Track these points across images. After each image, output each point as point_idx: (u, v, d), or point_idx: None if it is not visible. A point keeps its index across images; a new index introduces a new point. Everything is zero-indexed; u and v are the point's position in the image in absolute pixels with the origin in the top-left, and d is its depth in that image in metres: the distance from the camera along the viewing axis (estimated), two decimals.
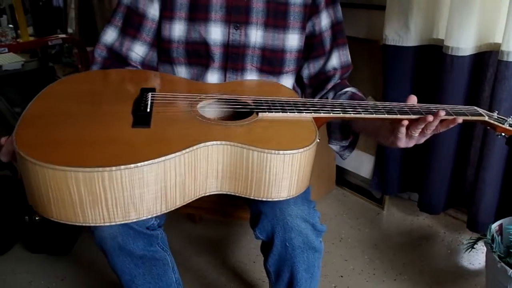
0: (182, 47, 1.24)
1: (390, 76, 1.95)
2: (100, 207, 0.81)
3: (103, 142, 0.86)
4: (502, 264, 1.39)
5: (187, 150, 0.84)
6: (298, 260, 1.15)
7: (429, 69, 1.87)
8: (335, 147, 1.31)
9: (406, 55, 1.88)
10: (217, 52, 1.23)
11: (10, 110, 2.72)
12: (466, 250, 1.71)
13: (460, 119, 0.99)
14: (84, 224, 0.83)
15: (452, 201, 2.01)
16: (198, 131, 0.92)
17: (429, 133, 1.02)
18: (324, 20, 1.28)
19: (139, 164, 0.79)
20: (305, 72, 1.33)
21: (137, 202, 0.83)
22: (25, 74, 3.00)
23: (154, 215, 0.88)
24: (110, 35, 1.26)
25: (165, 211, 0.88)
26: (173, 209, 0.89)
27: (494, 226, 1.54)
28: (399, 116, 1.01)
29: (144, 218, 0.86)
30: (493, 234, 1.47)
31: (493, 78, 1.63)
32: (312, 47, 1.29)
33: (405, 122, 1.00)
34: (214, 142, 0.88)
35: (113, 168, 0.78)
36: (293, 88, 1.34)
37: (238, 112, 1.05)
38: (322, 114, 1.03)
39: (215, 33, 1.22)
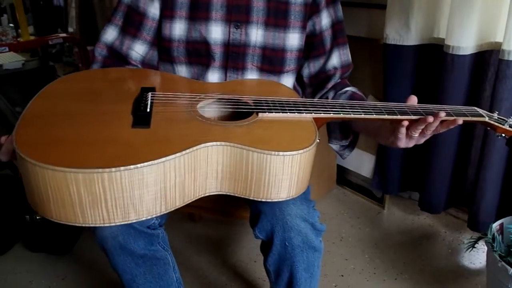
0: (182, 46, 1.24)
1: (391, 75, 1.95)
2: (99, 208, 0.81)
3: (102, 142, 0.86)
4: (503, 263, 1.38)
5: (187, 151, 0.84)
6: (298, 259, 1.15)
7: (429, 68, 1.87)
8: (335, 146, 1.31)
9: (407, 54, 1.88)
10: (217, 51, 1.23)
11: (10, 109, 2.72)
12: (467, 250, 1.71)
13: (460, 120, 0.99)
14: (83, 225, 0.83)
15: (453, 201, 2.01)
16: (198, 132, 0.92)
17: (429, 134, 1.02)
18: (325, 19, 1.28)
19: (138, 165, 0.79)
20: (306, 71, 1.33)
21: (137, 203, 0.83)
22: (25, 73, 3.01)
23: (154, 216, 0.88)
24: (110, 34, 1.26)
25: (165, 212, 0.88)
26: (173, 209, 0.89)
27: (495, 225, 1.53)
28: (399, 117, 1.01)
29: (144, 218, 0.86)
30: (494, 234, 1.47)
31: (494, 77, 1.63)
32: (313, 46, 1.29)
33: (405, 123, 1.00)
34: (214, 143, 0.88)
35: (113, 169, 0.78)
36: (294, 87, 1.34)
37: (238, 112, 1.04)
38: (322, 114, 1.02)
39: (216, 32, 1.22)
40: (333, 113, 1.03)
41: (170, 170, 0.84)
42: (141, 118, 0.94)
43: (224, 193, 0.95)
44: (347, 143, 1.29)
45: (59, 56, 4.67)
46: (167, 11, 1.22)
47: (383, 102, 1.09)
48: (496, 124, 1.07)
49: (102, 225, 0.84)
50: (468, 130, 1.84)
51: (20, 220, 1.86)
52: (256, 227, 1.15)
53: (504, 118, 1.08)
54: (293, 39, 1.25)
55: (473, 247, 1.63)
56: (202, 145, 0.87)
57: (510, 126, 1.06)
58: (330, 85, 1.31)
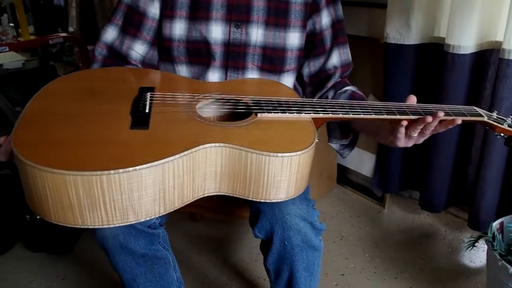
0: (183, 46, 1.24)
1: (391, 74, 1.95)
2: (98, 210, 0.81)
3: (101, 143, 0.85)
4: (503, 262, 1.38)
5: (186, 152, 0.84)
6: (297, 258, 1.15)
7: (430, 67, 1.87)
8: (335, 145, 1.31)
9: (407, 53, 1.88)
10: (218, 51, 1.23)
11: (11, 109, 2.72)
12: (467, 248, 1.71)
13: (459, 120, 0.99)
14: (82, 227, 0.83)
15: (453, 200, 2.01)
16: (197, 133, 0.92)
17: (428, 133, 1.02)
18: (325, 19, 1.28)
19: (137, 167, 0.79)
20: (306, 71, 1.33)
21: (136, 204, 0.83)
22: (26, 73, 3.00)
23: (153, 217, 0.87)
24: (110, 34, 1.26)
25: (164, 213, 0.88)
26: (171, 210, 0.89)
27: (495, 224, 1.53)
28: (398, 117, 1.01)
29: (143, 220, 0.86)
30: (494, 232, 1.47)
31: (494, 77, 1.63)
32: (313, 45, 1.29)
33: (404, 123, 1.00)
34: (213, 144, 0.88)
35: (111, 171, 0.78)
36: (294, 86, 1.34)
37: (238, 112, 1.04)
38: (321, 114, 1.02)
39: (216, 32, 1.22)
40: (332, 113, 1.03)
41: (169, 171, 0.83)
42: (140, 119, 0.94)
43: (223, 194, 0.94)
44: (347, 142, 1.29)
45: (59, 55, 4.67)
46: (167, 11, 1.22)
47: (382, 101, 1.09)
48: (495, 123, 1.07)
49: (101, 226, 0.84)
50: (468, 129, 1.84)
51: (20, 220, 1.86)
52: (255, 226, 1.15)
53: (503, 118, 1.08)
54: (294, 39, 1.25)
55: (473, 246, 1.63)
56: (201, 146, 0.86)
57: (508, 126, 1.06)
58: (330, 84, 1.31)
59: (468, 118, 1.04)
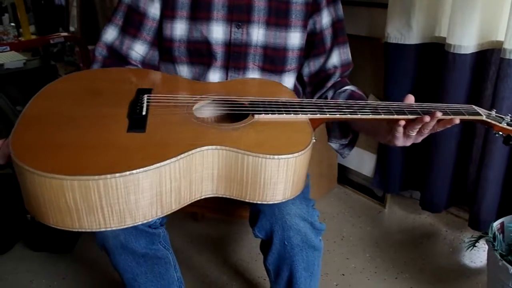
0: (183, 46, 1.24)
1: (392, 74, 1.94)
2: (96, 214, 0.81)
3: (98, 147, 0.85)
4: (504, 262, 1.38)
5: (182, 155, 0.84)
6: (297, 258, 1.15)
7: (431, 67, 1.87)
8: (334, 145, 1.31)
9: (408, 53, 1.88)
10: (219, 51, 1.23)
11: (11, 108, 2.72)
12: (467, 249, 1.71)
13: (457, 120, 0.99)
14: (80, 230, 0.83)
15: (454, 199, 2.01)
16: (194, 135, 0.91)
17: (426, 133, 1.02)
18: (325, 18, 1.27)
19: (133, 171, 0.79)
20: (306, 70, 1.33)
21: (133, 208, 0.83)
22: (27, 73, 3.00)
23: (150, 220, 0.87)
24: (110, 34, 1.26)
25: (161, 216, 0.88)
26: (169, 213, 0.89)
27: (496, 224, 1.53)
28: (395, 116, 1.01)
29: (140, 223, 0.86)
30: (494, 232, 1.47)
31: (495, 76, 1.63)
32: (313, 45, 1.29)
33: (402, 122, 1.00)
34: (209, 147, 0.88)
35: (108, 176, 0.78)
36: (294, 86, 1.34)
37: (236, 113, 1.04)
38: (318, 115, 1.02)
39: (217, 32, 1.22)
40: (329, 114, 1.02)
41: (166, 175, 0.83)
42: (137, 122, 0.94)
43: (220, 196, 0.94)
44: (346, 142, 1.29)
45: (60, 55, 4.67)
46: (168, 11, 1.22)
47: (380, 101, 1.08)
48: (493, 122, 1.06)
49: (99, 229, 0.84)
50: (469, 128, 1.84)
51: (21, 219, 1.86)
52: (255, 226, 1.15)
53: (502, 116, 1.07)
54: (295, 38, 1.25)
55: (474, 246, 1.63)
56: (198, 149, 0.86)
57: (507, 124, 1.05)
58: (329, 84, 1.31)
59: (467, 117, 1.04)
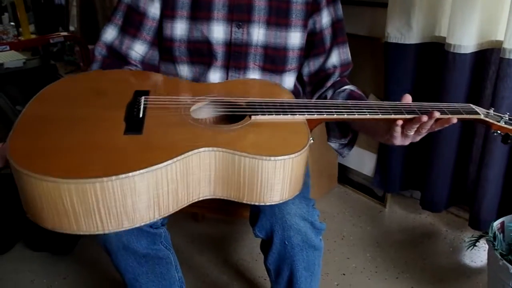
0: (184, 46, 1.24)
1: (392, 74, 1.94)
2: (93, 217, 0.81)
3: (95, 150, 0.85)
4: (504, 261, 1.38)
5: (179, 158, 0.84)
6: (298, 258, 1.15)
7: (431, 66, 1.87)
8: (334, 145, 1.30)
9: (408, 53, 1.88)
10: (219, 50, 1.23)
11: (11, 108, 2.72)
12: (468, 248, 1.71)
13: (454, 119, 0.99)
14: (78, 233, 0.83)
15: (454, 199, 2.01)
16: (190, 137, 0.91)
17: (424, 132, 1.02)
18: (325, 18, 1.27)
19: (130, 174, 0.79)
20: (305, 70, 1.33)
21: (130, 211, 0.83)
22: (26, 72, 3.00)
23: (148, 222, 0.87)
24: (110, 34, 1.26)
25: (159, 218, 0.88)
26: (166, 215, 0.89)
27: (496, 224, 1.53)
28: (393, 116, 1.01)
29: (138, 225, 0.86)
30: (495, 232, 1.47)
31: (495, 76, 1.63)
32: (313, 44, 1.29)
33: (400, 122, 1.00)
34: (206, 149, 0.87)
35: (105, 179, 0.78)
36: (294, 85, 1.34)
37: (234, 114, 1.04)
38: (315, 115, 1.02)
39: (218, 32, 1.22)
40: (326, 114, 1.02)
41: (162, 177, 0.83)
42: (133, 124, 0.94)
43: (218, 197, 0.94)
44: (346, 142, 1.29)
45: (60, 54, 4.67)
46: (168, 11, 1.22)
47: (377, 101, 1.08)
48: (491, 121, 1.05)
49: (96, 232, 0.84)
50: (469, 127, 1.84)
51: (21, 219, 1.86)
52: (255, 226, 1.15)
53: (500, 115, 1.06)
54: (295, 38, 1.25)
55: (474, 245, 1.63)
56: (194, 151, 0.86)
57: (505, 123, 1.05)
58: (329, 83, 1.31)
59: (464, 116, 1.04)
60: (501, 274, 1.41)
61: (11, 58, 3.05)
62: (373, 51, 2.16)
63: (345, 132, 1.27)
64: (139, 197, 0.82)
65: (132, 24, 1.25)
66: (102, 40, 1.27)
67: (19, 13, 3.41)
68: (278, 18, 1.23)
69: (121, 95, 1.05)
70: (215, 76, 1.25)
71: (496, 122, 1.05)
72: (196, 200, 0.92)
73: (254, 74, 1.26)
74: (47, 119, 0.94)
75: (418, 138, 1.04)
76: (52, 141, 0.87)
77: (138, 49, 1.26)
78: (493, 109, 1.09)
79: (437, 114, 0.97)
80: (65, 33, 3.68)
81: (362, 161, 2.35)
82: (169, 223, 1.28)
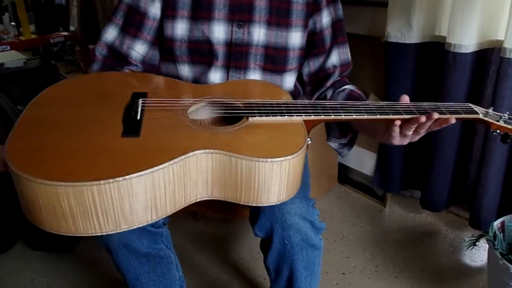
0: (185, 46, 1.24)
1: (392, 73, 1.94)
2: (91, 219, 0.82)
3: (92, 153, 0.86)
4: (504, 261, 1.38)
5: (176, 160, 0.84)
6: (297, 257, 1.15)
7: (431, 66, 1.87)
8: (333, 144, 1.30)
9: (408, 52, 1.88)
10: (220, 50, 1.23)
11: (12, 107, 2.72)
12: (468, 248, 1.71)
13: (453, 120, 0.98)
14: (76, 235, 0.84)
15: (454, 199, 2.01)
16: (187, 139, 0.91)
17: (423, 132, 1.02)
18: (325, 18, 1.28)
19: (127, 176, 0.79)
20: (305, 70, 1.33)
21: (127, 213, 0.83)
22: (27, 72, 3.00)
23: (145, 224, 0.88)
24: (110, 34, 1.27)
25: (156, 219, 0.88)
26: (164, 216, 0.89)
27: (496, 223, 1.54)
28: (391, 117, 1.01)
29: (135, 227, 0.86)
30: (495, 232, 1.47)
31: (495, 75, 1.63)
32: (313, 44, 1.29)
33: (398, 122, 1.00)
34: (203, 151, 0.87)
35: (102, 181, 0.78)
36: (295, 85, 1.34)
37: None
38: (312, 116, 1.02)
39: (218, 31, 1.22)
40: (323, 115, 1.02)
41: (159, 179, 0.84)
42: (131, 126, 0.94)
43: (215, 199, 0.94)
44: (345, 141, 1.29)
45: (60, 54, 4.66)
46: (169, 11, 1.22)
47: (375, 101, 1.08)
48: (490, 120, 1.05)
49: (94, 234, 0.84)
50: (469, 127, 1.84)
51: (21, 218, 1.85)
52: (255, 225, 1.15)
53: (499, 114, 1.06)
54: (296, 38, 1.25)
55: (474, 245, 1.63)
56: (191, 153, 0.86)
57: (504, 122, 1.04)
58: (329, 83, 1.31)
59: (463, 115, 1.04)
60: (501, 273, 1.41)
61: (11, 58, 3.06)
62: (373, 51, 2.16)
63: (344, 131, 1.27)
64: (136, 199, 0.82)
65: (133, 24, 1.25)
66: (103, 40, 1.27)
67: (20, 13, 3.42)
68: (279, 18, 1.23)
69: (119, 97, 1.06)
70: (215, 76, 1.25)
71: (495, 122, 1.04)
72: (194, 202, 0.92)
73: (254, 74, 1.26)
74: (45, 122, 0.94)
75: (416, 138, 1.04)
76: (49, 144, 0.87)
77: (138, 49, 1.26)
78: (492, 108, 1.08)
79: (435, 116, 0.97)
80: (66, 33, 3.67)
81: (362, 160, 2.35)
82: (169, 222, 1.28)
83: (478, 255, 1.89)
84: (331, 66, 1.30)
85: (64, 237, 1.91)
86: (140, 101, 1.03)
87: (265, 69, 1.27)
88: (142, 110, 1.00)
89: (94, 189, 0.78)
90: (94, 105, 1.03)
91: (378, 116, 1.02)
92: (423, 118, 0.97)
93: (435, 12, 1.81)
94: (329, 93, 1.30)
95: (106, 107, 1.02)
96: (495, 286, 1.49)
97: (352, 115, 1.02)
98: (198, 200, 0.93)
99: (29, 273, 1.82)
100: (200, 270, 1.84)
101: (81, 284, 1.78)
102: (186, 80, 1.28)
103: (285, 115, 1.00)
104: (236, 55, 1.24)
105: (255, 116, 0.99)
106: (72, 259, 1.91)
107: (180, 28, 1.23)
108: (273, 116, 1.00)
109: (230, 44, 1.23)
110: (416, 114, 1.00)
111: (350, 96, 1.25)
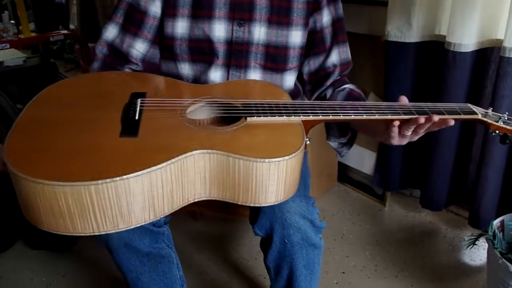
0: (185, 44, 1.24)
1: (392, 72, 1.94)
2: (88, 218, 0.82)
3: (90, 153, 0.86)
4: (504, 260, 1.39)
5: (173, 160, 0.84)
6: (297, 256, 1.15)
7: (431, 65, 1.87)
8: (333, 144, 1.30)
9: (408, 51, 1.87)
10: (220, 49, 1.23)
11: (11, 106, 2.71)
12: (467, 247, 1.71)
13: (452, 121, 0.98)
14: (74, 234, 0.84)
15: (454, 198, 2.01)
16: (185, 139, 0.91)
17: (421, 132, 1.02)
18: (326, 17, 1.27)
19: (124, 176, 0.79)
20: (305, 69, 1.33)
21: (125, 213, 0.83)
22: (26, 70, 3.00)
23: (143, 224, 0.87)
24: (111, 32, 1.26)
25: (154, 219, 0.88)
26: (162, 216, 0.89)
27: (496, 222, 1.54)
28: (390, 117, 1.01)
29: (133, 227, 0.86)
30: (494, 231, 1.47)
31: (495, 75, 1.63)
32: (313, 43, 1.29)
33: (396, 123, 1.00)
34: (201, 151, 0.87)
35: (99, 181, 0.78)
36: (295, 85, 1.34)
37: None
38: (311, 117, 1.01)
39: (219, 30, 1.22)
40: (322, 116, 1.02)
41: (157, 179, 0.84)
42: (129, 126, 0.94)
43: (213, 199, 0.94)
44: (345, 141, 1.28)
45: (60, 53, 4.66)
46: (169, 10, 1.22)
47: (374, 102, 1.08)
48: (489, 121, 1.04)
49: (92, 234, 0.85)
50: (469, 127, 1.84)
51: (20, 218, 1.85)
52: (255, 224, 1.15)
53: (499, 115, 1.05)
54: (296, 37, 1.25)
55: (474, 244, 1.63)
56: (189, 153, 0.86)
57: (504, 123, 1.03)
58: (329, 82, 1.31)
59: (462, 116, 1.03)
60: (501, 272, 1.41)
61: (11, 56, 3.06)
62: (373, 50, 2.15)
63: (344, 131, 1.27)
64: (134, 198, 0.83)
65: (133, 22, 1.25)
66: (103, 38, 1.27)
67: (19, 11, 3.42)
68: (279, 16, 1.23)
69: (118, 97, 1.06)
70: (216, 74, 1.25)
71: (494, 122, 1.04)
72: (192, 201, 0.92)
73: (255, 73, 1.26)
74: (44, 121, 0.95)
75: (416, 138, 1.04)
76: (48, 144, 0.87)
77: (139, 48, 1.26)
78: (491, 108, 1.08)
79: (435, 118, 0.97)
80: (65, 31, 3.67)
81: (362, 159, 2.35)
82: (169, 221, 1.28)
83: (477, 254, 1.89)
84: (331, 65, 1.30)
85: (63, 237, 1.90)
86: (139, 101, 1.03)
87: (265, 68, 1.27)
88: (140, 110, 1.00)
89: (91, 189, 0.79)
90: (93, 105, 1.03)
91: (377, 117, 1.02)
92: (422, 119, 0.97)
93: (435, 11, 1.81)
94: (329, 92, 1.29)
95: (105, 107, 1.02)
96: (494, 285, 1.50)
97: (351, 115, 1.02)
98: (196, 200, 0.93)
99: (28, 272, 1.82)
100: (200, 269, 1.84)
101: (80, 283, 1.78)
102: (187, 78, 1.28)
103: (283, 116, 1.00)
104: (237, 54, 1.24)
105: (253, 116, 0.99)
106: (71, 258, 1.91)
107: (181, 27, 1.23)
108: (271, 116, 1.00)
109: (230, 43, 1.23)
110: (415, 115, 0.99)
111: (350, 95, 1.25)
